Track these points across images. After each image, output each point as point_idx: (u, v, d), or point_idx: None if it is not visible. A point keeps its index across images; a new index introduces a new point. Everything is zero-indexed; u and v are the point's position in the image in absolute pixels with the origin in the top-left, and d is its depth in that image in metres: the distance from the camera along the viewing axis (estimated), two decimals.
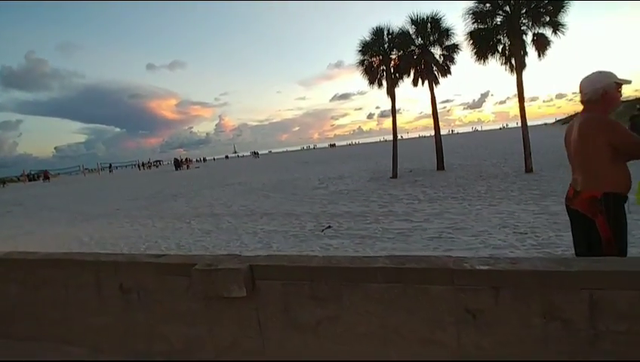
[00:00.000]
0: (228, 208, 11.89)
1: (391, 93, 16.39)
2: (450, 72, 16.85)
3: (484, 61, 14.01)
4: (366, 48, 16.10)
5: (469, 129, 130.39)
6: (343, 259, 2.58)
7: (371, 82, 16.48)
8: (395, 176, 16.33)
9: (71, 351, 3.46)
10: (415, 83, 16.92)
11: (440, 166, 17.25)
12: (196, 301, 2.88)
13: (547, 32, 13.06)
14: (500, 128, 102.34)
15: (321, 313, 2.49)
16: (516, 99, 13.82)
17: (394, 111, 16.77)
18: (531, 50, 13.41)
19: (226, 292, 2.59)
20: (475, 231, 6.16)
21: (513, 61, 13.57)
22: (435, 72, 16.78)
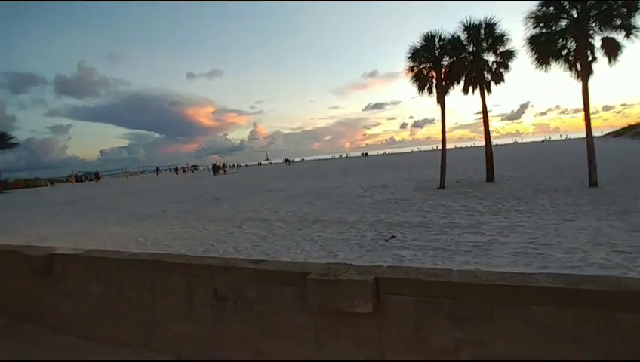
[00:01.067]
0: (275, 214, 11.70)
1: (441, 101, 15.80)
2: (503, 80, 16.06)
3: (545, 67, 13.19)
4: (416, 55, 15.64)
5: (507, 140, 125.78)
6: (489, 274, 2.19)
7: (420, 89, 15.97)
8: (442, 186, 15.66)
9: (153, 359, 3.24)
10: (466, 91, 16.23)
11: (490, 177, 16.39)
12: (305, 314, 2.56)
13: (618, 36, 12.12)
14: (543, 140, 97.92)
15: (462, 336, 2.10)
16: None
17: (444, 119, 16.14)
18: (599, 56, 12.48)
19: (348, 307, 2.25)
20: (564, 247, 5.55)
21: (578, 67, 12.69)
22: (488, 80, 16.06)
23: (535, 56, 13.30)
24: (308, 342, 2.50)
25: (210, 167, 59.06)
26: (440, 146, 16.88)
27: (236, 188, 23.55)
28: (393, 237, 7.32)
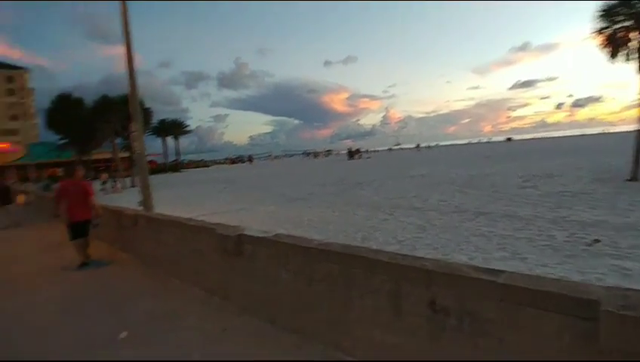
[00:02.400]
0: (425, 202, 10.83)
1: None
2: None
3: None
4: (610, 12, 12.38)
5: None
6: None
7: (613, 55, 12.66)
8: (635, 178, 12.31)
9: (342, 359, 2.93)
10: None
11: None
12: (576, 356, 1.81)
13: None
14: None
15: None
16: None
17: None
18: None
19: None
20: None
21: None
22: None
23: None
24: None
25: (344, 151, 60.77)
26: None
27: (374, 173, 23.28)
28: (597, 241, 5.72)
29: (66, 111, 32.61)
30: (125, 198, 16.30)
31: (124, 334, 3.37)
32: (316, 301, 2.96)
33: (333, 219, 9.14)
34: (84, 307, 4.19)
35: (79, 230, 6.12)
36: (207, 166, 74.53)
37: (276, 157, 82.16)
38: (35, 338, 3.46)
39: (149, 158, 36.91)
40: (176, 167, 59.75)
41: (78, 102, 33.42)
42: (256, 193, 17.23)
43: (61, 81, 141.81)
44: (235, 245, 3.48)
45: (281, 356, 2.85)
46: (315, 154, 70.90)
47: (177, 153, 65.53)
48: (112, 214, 7.26)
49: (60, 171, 36.80)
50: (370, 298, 2.57)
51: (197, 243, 4.23)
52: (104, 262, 6.14)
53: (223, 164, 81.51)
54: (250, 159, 67.82)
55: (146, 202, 8.20)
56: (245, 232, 3.52)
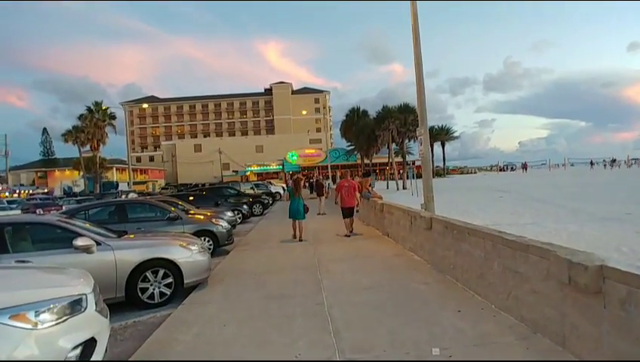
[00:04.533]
0: None
1: None
2: None
3: None
4: None
5: None
6: None
7: None
8: None
9: None
10: None
11: None
12: None
13: None
14: None
15: None
16: None
17: None
18: None
19: None
20: None
21: None
22: None
23: None
24: None
25: None
26: None
27: None
28: None
29: (354, 122, 38.82)
30: (395, 199, 17.46)
31: (436, 351, 3.12)
32: None
33: None
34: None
35: (347, 212, 9.67)
36: (472, 173, 71.66)
37: (555, 165, 69.21)
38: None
39: (417, 163, 38.87)
40: (441, 172, 60.61)
41: (364, 113, 39.16)
42: (541, 206, 14.59)
43: (349, 98, 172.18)
44: (592, 279, 2.57)
45: None
46: (612, 164, 54.88)
47: (443, 159, 66.41)
48: (403, 213, 7.61)
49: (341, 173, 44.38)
50: None
51: (514, 261, 3.54)
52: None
53: (489, 171, 76.25)
54: (524, 167, 60.20)
55: (428, 205, 8.17)
56: (609, 264, 2.54)
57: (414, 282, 5.19)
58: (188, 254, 5.38)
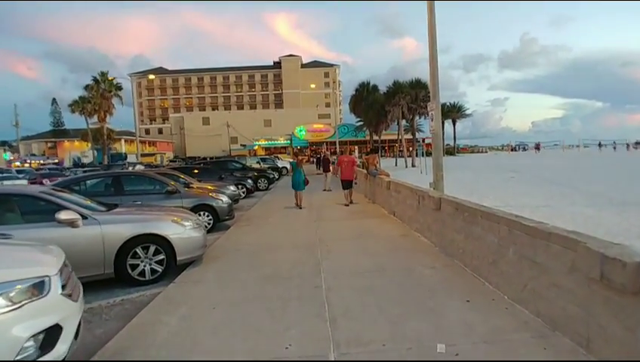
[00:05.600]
0: None
1: None
2: None
3: None
4: None
5: None
6: None
7: None
8: None
9: None
10: None
11: None
12: None
13: None
14: None
15: None
16: None
17: None
18: None
19: None
20: None
21: None
22: None
23: None
24: None
25: None
26: None
27: None
28: None
29: (364, 97, 37.78)
30: (404, 177, 16.99)
31: (441, 347, 2.80)
32: None
33: None
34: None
35: (347, 185, 11.05)
36: (483, 152, 70.27)
37: (569, 146, 67.45)
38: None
39: (427, 141, 37.99)
40: (452, 150, 59.49)
41: (374, 88, 38.03)
42: (555, 188, 14.05)
43: (360, 73, 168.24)
44: (630, 278, 2.19)
45: None
46: (636, 145, 53.21)
47: (454, 137, 65.01)
48: (411, 192, 7.21)
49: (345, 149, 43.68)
50: None
51: (533, 250, 3.16)
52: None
53: (500, 150, 74.73)
54: (537, 147, 58.83)
55: (437, 184, 7.75)
56: None
57: (420, 266, 4.86)
58: (181, 230, 5.10)
